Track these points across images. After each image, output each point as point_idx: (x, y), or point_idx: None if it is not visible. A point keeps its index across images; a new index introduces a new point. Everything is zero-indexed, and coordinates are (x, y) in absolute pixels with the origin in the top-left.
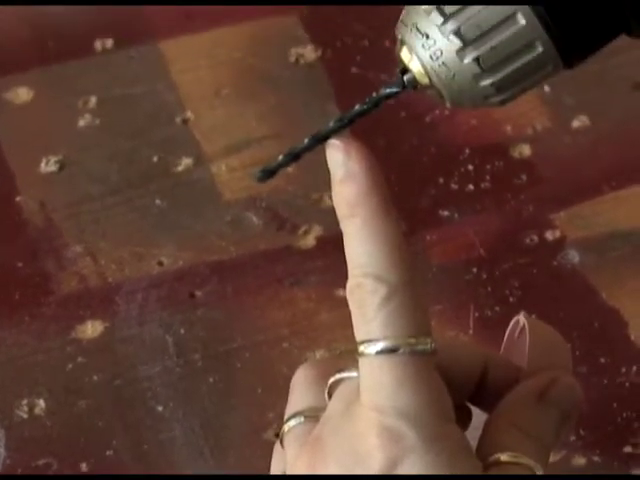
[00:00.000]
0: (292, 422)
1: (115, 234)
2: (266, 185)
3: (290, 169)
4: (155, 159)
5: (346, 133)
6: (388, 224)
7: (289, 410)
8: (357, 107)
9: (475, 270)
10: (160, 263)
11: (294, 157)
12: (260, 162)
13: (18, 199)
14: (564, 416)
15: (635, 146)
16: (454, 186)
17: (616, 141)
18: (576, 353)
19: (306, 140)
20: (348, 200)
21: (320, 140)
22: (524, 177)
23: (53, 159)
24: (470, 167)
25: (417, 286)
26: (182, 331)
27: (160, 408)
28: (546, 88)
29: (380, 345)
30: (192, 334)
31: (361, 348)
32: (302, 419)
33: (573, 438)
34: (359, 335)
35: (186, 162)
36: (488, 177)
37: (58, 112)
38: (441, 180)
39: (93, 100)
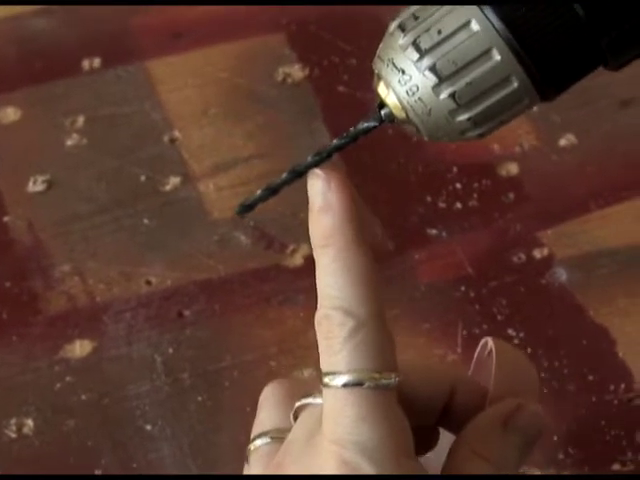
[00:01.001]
0: (258, 442)
1: (103, 253)
2: None
3: None
4: (143, 178)
5: (329, 164)
6: (360, 257)
7: (256, 429)
8: (335, 141)
9: (463, 288)
10: (148, 282)
11: (272, 191)
12: (248, 181)
13: (6, 219)
14: (527, 443)
15: (622, 164)
16: (442, 204)
17: (603, 159)
18: (564, 371)
19: (284, 174)
20: (323, 230)
21: (298, 174)
22: (511, 195)
23: (41, 178)
24: (458, 185)
25: (384, 319)
26: (170, 350)
27: (149, 427)
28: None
29: (344, 378)
30: (180, 353)
31: (326, 380)
32: (268, 439)
33: (561, 456)
34: (324, 366)
35: (174, 181)
36: (476, 195)
37: (46, 131)
38: (429, 198)
39: (81, 119)
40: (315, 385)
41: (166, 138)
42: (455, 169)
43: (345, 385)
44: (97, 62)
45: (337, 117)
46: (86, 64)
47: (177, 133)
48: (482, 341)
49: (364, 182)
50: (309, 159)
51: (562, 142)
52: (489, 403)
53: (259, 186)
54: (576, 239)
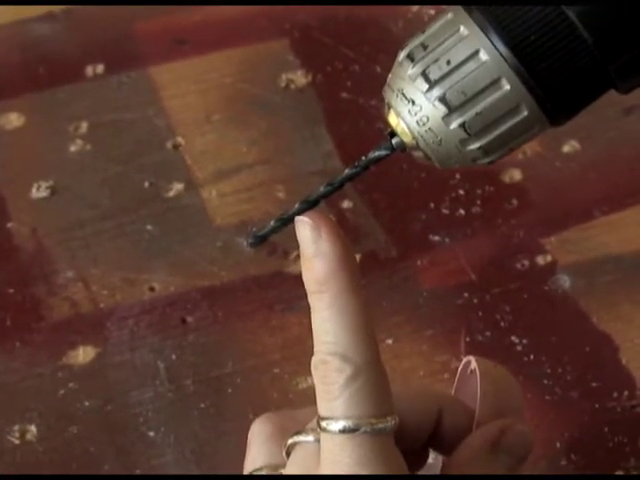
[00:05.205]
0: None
1: (106, 260)
2: (257, 210)
3: (281, 195)
4: (146, 184)
5: (316, 210)
6: (355, 303)
7: (248, 466)
8: (347, 171)
9: (466, 295)
10: (151, 289)
11: (285, 222)
12: (251, 187)
13: (9, 225)
14: (516, 462)
15: (625, 170)
16: (445, 211)
17: (606, 166)
18: (567, 378)
19: (297, 205)
20: (317, 277)
21: (310, 204)
22: (515, 202)
23: (44, 185)
24: (461, 192)
25: (381, 364)
26: (173, 357)
27: (151, 433)
28: None
29: (342, 424)
30: (183, 359)
31: (323, 424)
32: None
33: (564, 462)
34: (322, 410)
35: (177, 187)
36: (479, 202)
37: (49, 137)
38: (432, 205)
39: (84, 125)
40: (304, 420)
41: (169, 144)
42: (458, 175)
43: (342, 431)
44: (100, 68)
45: (340, 123)
46: (89, 70)
47: (180, 139)
48: (464, 360)
49: (367, 188)
50: (321, 189)
51: (566, 148)
52: (476, 424)
53: (262, 192)
54: (579, 246)
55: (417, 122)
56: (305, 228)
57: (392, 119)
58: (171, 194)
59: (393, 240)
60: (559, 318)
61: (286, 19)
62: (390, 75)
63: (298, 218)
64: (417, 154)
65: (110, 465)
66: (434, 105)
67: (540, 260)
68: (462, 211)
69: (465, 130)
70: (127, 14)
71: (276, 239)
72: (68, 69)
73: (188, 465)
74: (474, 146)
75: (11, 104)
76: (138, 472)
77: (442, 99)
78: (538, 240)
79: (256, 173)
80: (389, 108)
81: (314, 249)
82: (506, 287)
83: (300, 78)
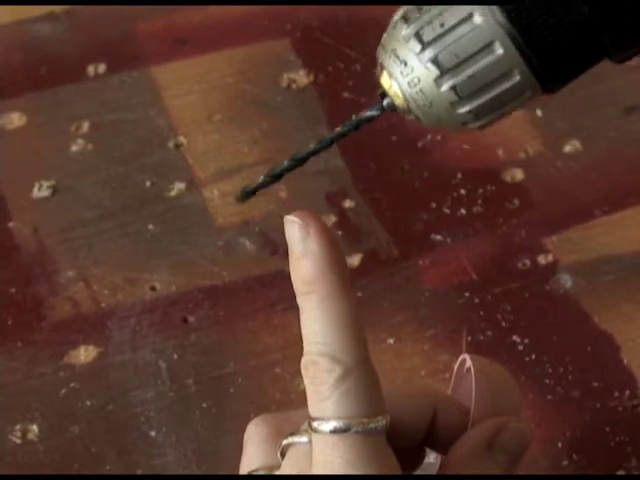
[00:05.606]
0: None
1: (108, 259)
2: (259, 210)
3: (283, 194)
4: (148, 184)
5: (305, 210)
6: (344, 303)
7: (244, 467)
8: (337, 129)
9: (467, 294)
10: (153, 288)
11: (274, 178)
12: None
13: (11, 224)
14: (512, 460)
15: (627, 170)
16: (446, 210)
17: (608, 165)
18: (569, 377)
19: (286, 162)
20: (305, 277)
21: (299, 161)
22: (516, 201)
23: (46, 184)
24: (462, 191)
25: (371, 363)
26: (175, 356)
27: (153, 433)
28: (538, 112)
29: (333, 424)
30: (185, 359)
31: (314, 424)
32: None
33: (566, 462)
34: (313, 411)
35: (179, 187)
36: (480, 201)
37: (51, 137)
38: (433, 204)
39: (86, 125)
40: (298, 421)
41: (171, 144)
42: (459, 175)
43: (333, 431)
44: (102, 68)
45: (342, 123)
46: (91, 70)
47: (182, 139)
48: (460, 358)
49: (369, 188)
50: (310, 146)
51: (567, 148)
52: (472, 423)
53: (264, 192)
54: (581, 245)
55: (408, 83)
56: (293, 227)
57: (384, 80)
58: (173, 194)
59: (394, 240)
60: (560, 318)
61: (287, 19)
62: (384, 36)
63: (287, 217)
64: (408, 117)
65: (111, 465)
66: (426, 67)
67: (541, 260)
68: (463, 211)
69: (456, 93)
70: (129, 14)
71: (277, 239)
72: (70, 69)
73: (189, 465)
74: (464, 109)
75: (13, 104)
76: (139, 472)
77: (434, 61)
78: (539, 240)
79: (257, 173)
80: (382, 69)
81: (302, 248)
82: (507, 287)
83: (302, 78)
